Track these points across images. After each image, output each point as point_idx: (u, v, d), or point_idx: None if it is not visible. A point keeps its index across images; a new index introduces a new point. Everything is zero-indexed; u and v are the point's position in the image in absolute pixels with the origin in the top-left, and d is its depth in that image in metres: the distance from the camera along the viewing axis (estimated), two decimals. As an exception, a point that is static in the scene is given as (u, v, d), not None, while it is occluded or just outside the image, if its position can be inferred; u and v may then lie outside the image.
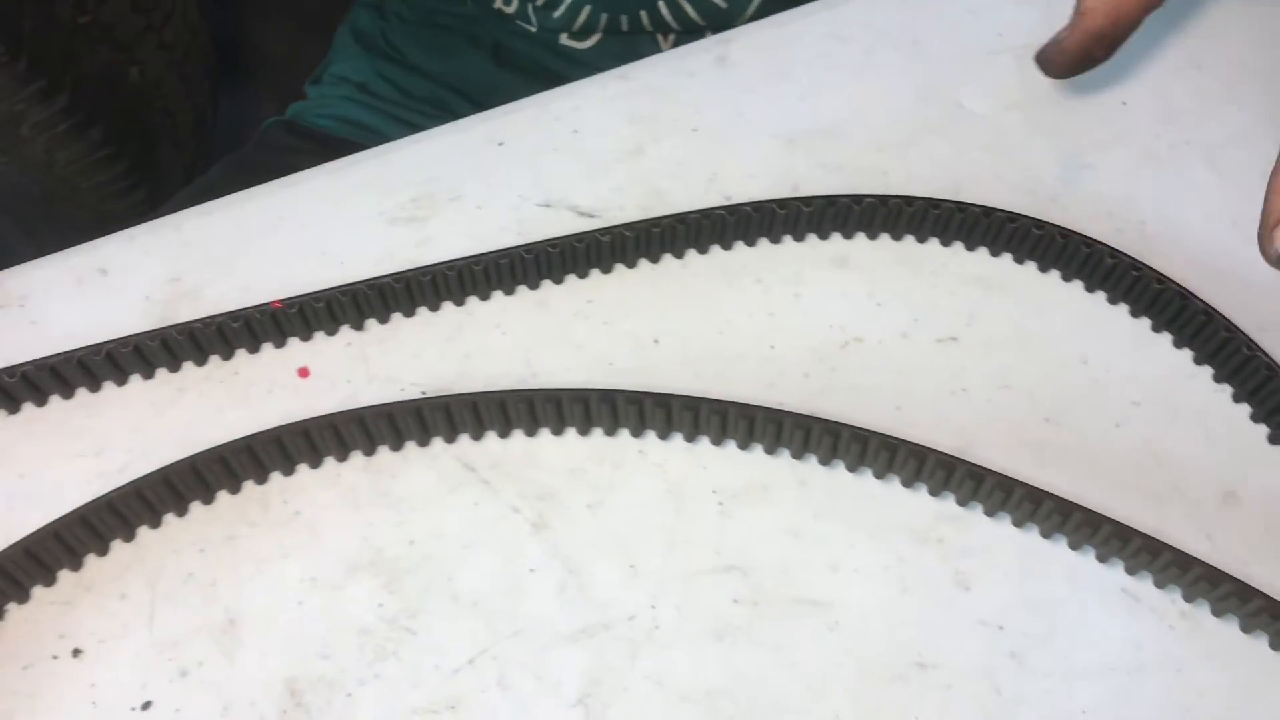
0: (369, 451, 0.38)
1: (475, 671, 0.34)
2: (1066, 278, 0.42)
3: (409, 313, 0.41)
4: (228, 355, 0.40)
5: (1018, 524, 0.37)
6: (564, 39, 0.65)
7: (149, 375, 0.39)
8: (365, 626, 0.35)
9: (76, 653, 0.35)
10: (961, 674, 0.35)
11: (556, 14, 0.63)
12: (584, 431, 0.38)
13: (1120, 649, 0.35)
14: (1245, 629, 0.35)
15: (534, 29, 0.65)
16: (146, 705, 0.34)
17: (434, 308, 0.41)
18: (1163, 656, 0.35)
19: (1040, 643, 0.35)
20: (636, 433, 0.38)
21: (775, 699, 0.34)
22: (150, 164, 0.84)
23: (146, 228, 0.42)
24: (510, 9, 0.64)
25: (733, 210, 0.42)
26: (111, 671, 0.34)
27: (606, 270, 0.42)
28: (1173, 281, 0.40)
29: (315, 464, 0.38)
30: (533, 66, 0.66)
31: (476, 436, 0.38)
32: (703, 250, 0.42)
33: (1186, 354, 0.40)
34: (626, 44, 0.63)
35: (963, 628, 0.35)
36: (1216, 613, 0.35)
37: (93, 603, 0.36)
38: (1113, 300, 0.42)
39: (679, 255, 0.42)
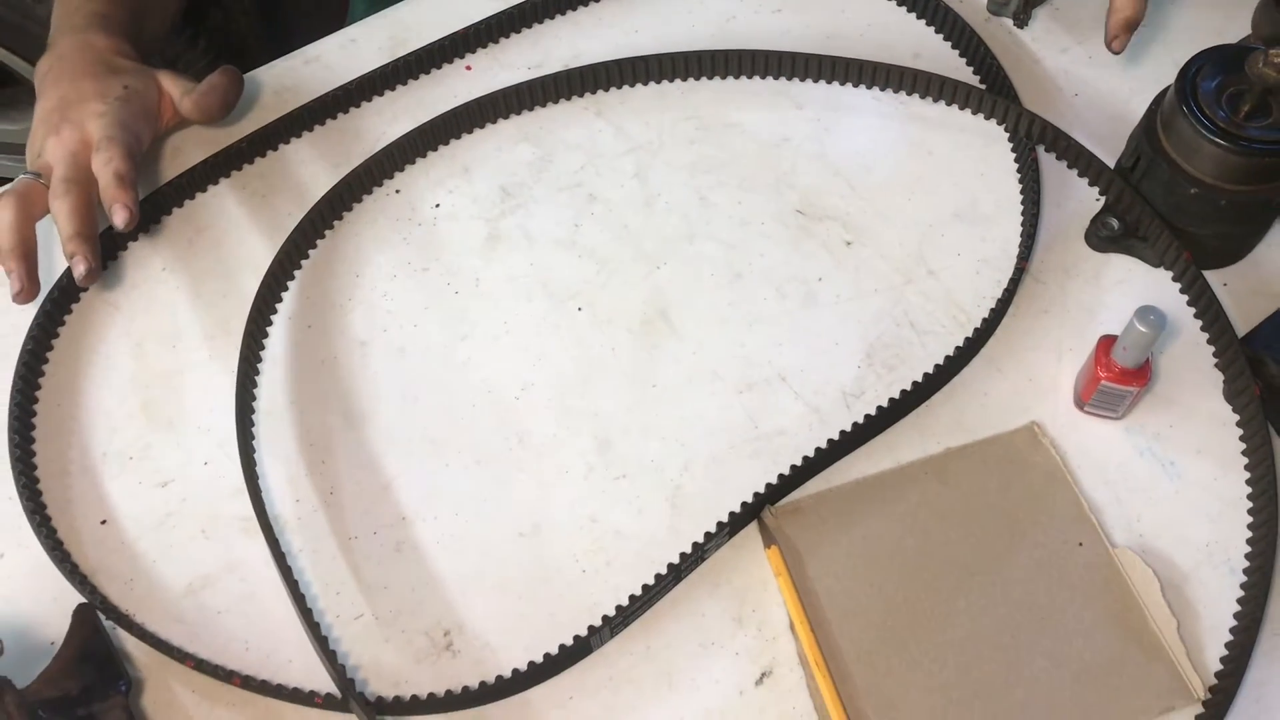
0: (519, 111, 0.76)
1: (586, 173, 0.73)
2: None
3: (518, 30, 0.80)
4: (427, 70, 0.78)
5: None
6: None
7: (391, 88, 0.77)
8: (529, 161, 0.73)
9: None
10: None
11: None
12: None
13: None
14: None
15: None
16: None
17: (529, 26, 0.79)
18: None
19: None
20: (658, 80, 0.77)
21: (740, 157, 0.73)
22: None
23: (366, 21, 0.80)
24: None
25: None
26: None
27: None
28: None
29: (481, 126, 0.76)
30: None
31: (593, 92, 0.77)
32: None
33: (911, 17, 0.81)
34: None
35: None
36: None
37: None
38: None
39: None
